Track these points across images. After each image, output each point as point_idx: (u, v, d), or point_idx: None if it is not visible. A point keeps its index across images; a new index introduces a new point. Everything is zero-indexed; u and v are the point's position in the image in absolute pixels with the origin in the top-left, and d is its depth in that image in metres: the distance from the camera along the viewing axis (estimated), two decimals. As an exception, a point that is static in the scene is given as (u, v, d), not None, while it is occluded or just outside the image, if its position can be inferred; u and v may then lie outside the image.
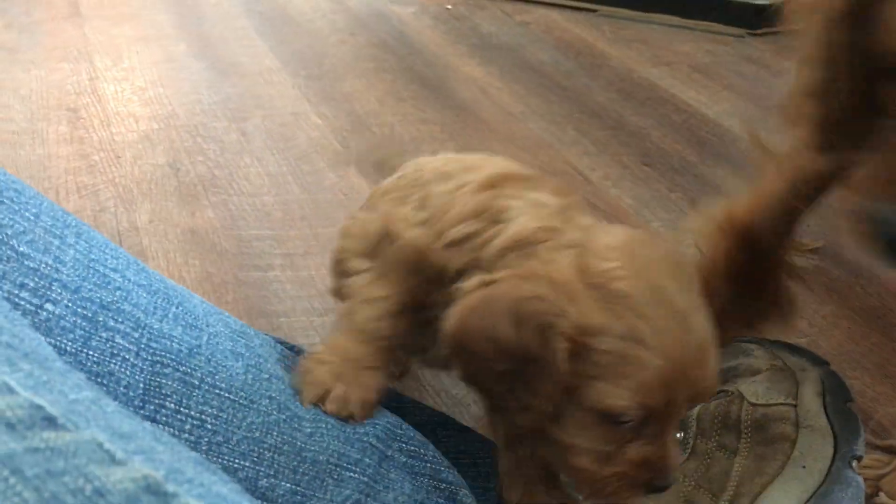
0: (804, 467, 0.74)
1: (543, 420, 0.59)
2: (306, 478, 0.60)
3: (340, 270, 0.72)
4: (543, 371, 0.56)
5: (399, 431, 0.68)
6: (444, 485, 0.67)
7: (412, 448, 0.67)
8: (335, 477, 0.62)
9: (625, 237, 0.60)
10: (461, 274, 0.63)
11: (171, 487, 0.35)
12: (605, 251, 0.58)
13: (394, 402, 0.74)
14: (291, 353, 0.71)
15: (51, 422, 0.36)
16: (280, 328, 1.23)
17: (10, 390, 0.36)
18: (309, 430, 0.62)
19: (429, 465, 0.67)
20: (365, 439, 0.65)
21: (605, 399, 0.56)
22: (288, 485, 0.59)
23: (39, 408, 0.36)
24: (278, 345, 0.71)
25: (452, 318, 0.59)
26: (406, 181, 0.73)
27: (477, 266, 0.62)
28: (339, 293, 0.74)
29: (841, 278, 1.35)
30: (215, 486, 0.38)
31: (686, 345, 0.56)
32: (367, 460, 0.64)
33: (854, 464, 0.75)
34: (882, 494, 0.88)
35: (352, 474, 0.62)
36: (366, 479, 0.63)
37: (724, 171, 1.55)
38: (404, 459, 0.67)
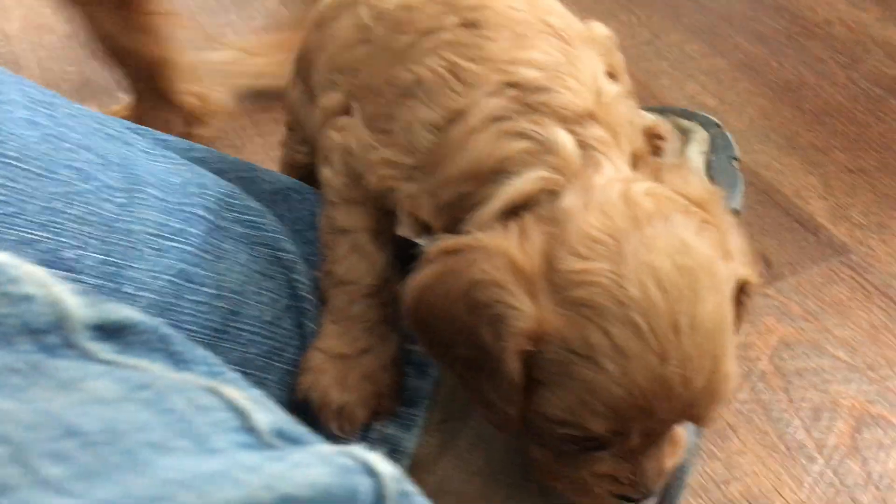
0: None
1: (508, 420, 0.50)
2: (119, 248, 0.56)
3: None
4: (499, 368, 0.47)
5: (234, 201, 0.63)
6: (283, 254, 0.63)
7: (249, 218, 0.63)
8: (154, 247, 0.57)
9: (622, 220, 0.47)
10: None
11: None
12: (583, 243, 0.46)
13: (242, 170, 0.69)
14: (122, 127, 0.65)
15: None
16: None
17: None
18: (122, 200, 0.57)
19: (268, 234, 0.63)
20: (190, 210, 0.60)
21: (548, 410, 0.48)
22: (97, 255, 0.55)
23: None
24: (104, 117, 0.64)
25: (409, 289, 0.50)
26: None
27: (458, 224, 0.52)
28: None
29: (757, 55, 1.29)
30: None
31: (665, 371, 0.45)
32: (193, 230, 0.59)
33: (729, 219, 0.72)
34: None
35: (174, 244, 0.58)
36: (191, 248, 0.59)
37: None
38: (241, 230, 0.62)
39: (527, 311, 0.46)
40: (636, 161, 0.53)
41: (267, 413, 0.34)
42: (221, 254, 0.61)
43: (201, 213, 0.61)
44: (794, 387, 0.83)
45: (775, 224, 1.02)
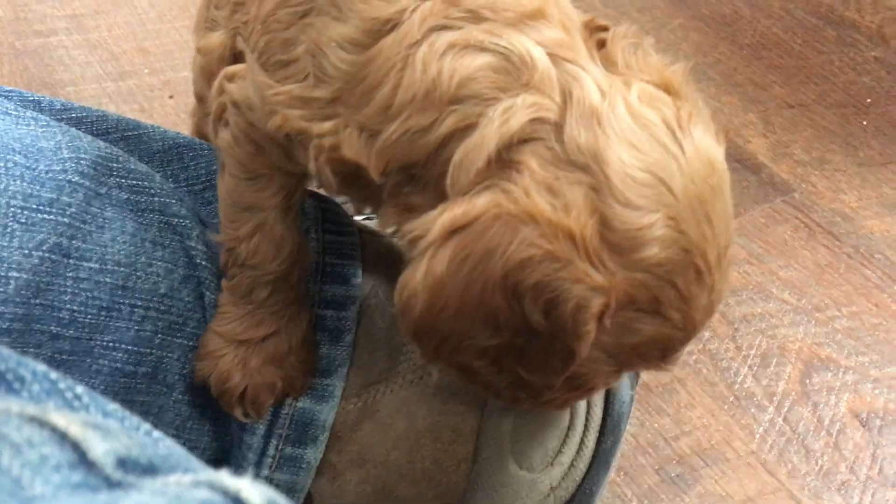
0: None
1: (543, 392, 0.47)
2: (-21, 224, 0.49)
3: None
4: (552, 346, 0.42)
5: (114, 165, 0.56)
6: (175, 220, 0.56)
7: (133, 182, 0.56)
8: (22, 221, 0.50)
9: (652, 149, 0.41)
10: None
11: None
12: (630, 189, 0.40)
13: (127, 129, 0.62)
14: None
15: None
16: (68, 98, 1.07)
17: None
18: (-22, 170, 0.50)
19: (156, 199, 0.56)
20: (62, 177, 0.53)
21: (599, 368, 0.45)
22: (-46, 233, 0.48)
23: None
24: None
25: (413, 288, 0.41)
26: None
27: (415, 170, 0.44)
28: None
29: (692, -11, 1.24)
30: None
31: (712, 298, 0.44)
32: (67, 199, 0.52)
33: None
34: None
35: (46, 216, 0.51)
36: (66, 219, 0.52)
37: None
38: (125, 196, 0.56)
39: (599, 285, 0.40)
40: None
41: (109, 440, 0.27)
42: (103, 223, 0.54)
43: (76, 179, 0.54)
44: (741, 334, 0.80)
45: (715, 165, 0.98)
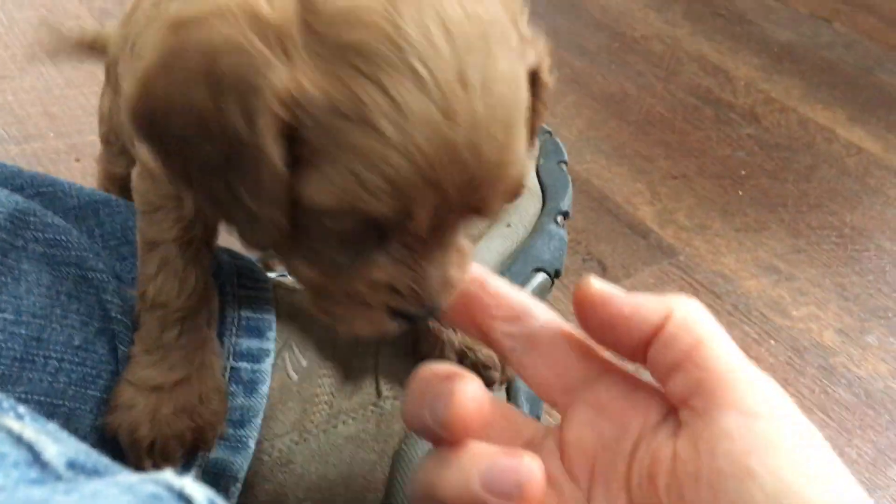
0: (509, 226, 0.71)
1: (274, 229, 0.41)
2: None
3: None
4: (258, 160, 0.38)
5: (32, 219, 0.57)
6: (91, 273, 0.57)
7: (50, 236, 0.57)
8: (-64, 271, 0.51)
9: None
10: None
11: None
12: None
13: (42, 185, 0.63)
14: None
15: None
16: (-31, 160, 1.07)
17: None
18: None
19: (73, 253, 0.57)
20: (-22, 228, 0.54)
21: (317, 197, 0.39)
22: None
23: None
24: None
25: (131, 78, 0.40)
26: None
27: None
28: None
29: (583, 69, 1.33)
30: None
31: (452, 133, 0.37)
32: (-17, 250, 0.53)
33: (559, 219, 0.73)
34: None
35: (-39, 266, 0.52)
36: (-18, 270, 0.53)
37: None
38: (41, 249, 0.57)
39: (278, 71, 0.36)
40: None
41: (59, 445, 0.29)
42: (19, 275, 0.55)
43: (-8, 232, 0.55)
44: (633, 385, 0.85)
45: (608, 230, 1.04)
